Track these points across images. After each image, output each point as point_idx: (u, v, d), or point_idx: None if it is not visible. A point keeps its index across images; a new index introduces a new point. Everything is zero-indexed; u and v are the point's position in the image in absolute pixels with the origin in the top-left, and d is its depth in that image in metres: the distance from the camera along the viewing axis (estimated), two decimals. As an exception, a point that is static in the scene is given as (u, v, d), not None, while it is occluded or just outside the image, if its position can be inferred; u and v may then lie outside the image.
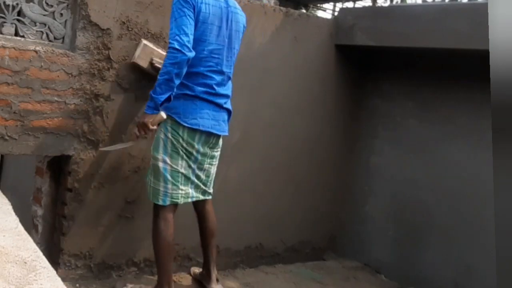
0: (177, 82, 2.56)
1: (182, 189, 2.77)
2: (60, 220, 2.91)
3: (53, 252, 2.92)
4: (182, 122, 2.68)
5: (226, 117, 2.88)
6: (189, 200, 2.84)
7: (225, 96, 2.83)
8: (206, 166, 2.88)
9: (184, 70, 2.56)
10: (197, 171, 2.84)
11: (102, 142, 2.90)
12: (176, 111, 2.69)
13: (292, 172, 3.79)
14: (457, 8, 3.32)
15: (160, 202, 2.74)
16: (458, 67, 3.55)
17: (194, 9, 2.57)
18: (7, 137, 2.61)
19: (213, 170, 2.96)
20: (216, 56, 2.71)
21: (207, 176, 2.92)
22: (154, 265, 3.14)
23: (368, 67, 4.08)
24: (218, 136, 2.87)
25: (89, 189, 2.91)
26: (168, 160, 2.72)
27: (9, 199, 2.24)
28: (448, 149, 3.58)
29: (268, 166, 3.66)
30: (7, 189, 2.72)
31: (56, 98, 2.71)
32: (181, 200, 2.79)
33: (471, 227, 3.40)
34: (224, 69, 2.77)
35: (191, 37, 2.54)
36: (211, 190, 2.98)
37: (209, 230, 3.03)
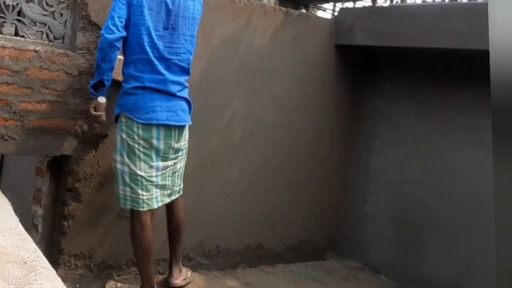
0: (105, 66, 2.55)
1: (143, 194, 2.65)
2: (60, 220, 2.91)
3: (53, 252, 2.92)
4: (134, 119, 2.60)
5: (184, 106, 2.74)
6: (155, 207, 2.70)
7: (177, 83, 2.69)
8: (171, 162, 2.74)
9: (111, 54, 2.53)
10: (162, 171, 2.71)
11: (102, 142, 2.90)
12: (128, 108, 2.62)
13: (292, 172, 3.79)
14: (457, 8, 3.32)
15: (121, 205, 2.69)
16: (458, 67, 3.55)
17: None
18: (7, 137, 2.61)
19: (180, 165, 2.83)
20: (158, 42, 2.60)
21: (174, 172, 2.79)
22: (155, 265, 3.15)
23: (368, 67, 4.08)
24: (181, 128, 2.73)
25: (89, 189, 2.91)
26: (126, 162, 2.63)
27: (9, 199, 2.24)
28: (448, 149, 3.58)
29: (268, 166, 3.66)
30: (7, 189, 2.72)
31: (56, 98, 2.71)
32: (143, 206, 2.65)
33: (471, 227, 3.40)
34: (169, 56, 2.65)
35: (118, 19, 2.51)
36: (178, 188, 2.86)
37: (173, 226, 2.93)
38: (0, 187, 3.84)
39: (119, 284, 2.96)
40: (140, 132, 2.62)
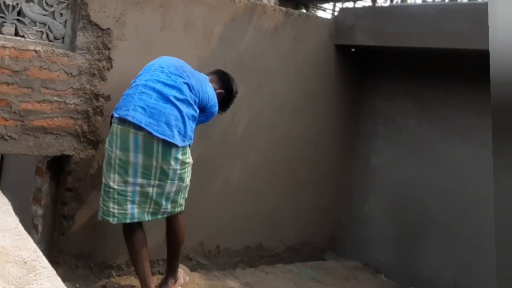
0: None
1: (113, 207, 2.55)
2: (60, 220, 2.91)
3: (53, 252, 2.92)
4: (115, 114, 2.53)
5: (171, 120, 2.51)
6: (128, 221, 2.58)
7: (177, 88, 2.59)
8: (154, 182, 2.55)
9: None
10: (141, 188, 2.55)
11: (102, 142, 2.90)
12: (116, 107, 2.59)
13: (292, 172, 3.79)
14: (457, 8, 3.32)
15: (98, 217, 2.64)
16: (458, 67, 3.55)
17: None
18: (7, 137, 2.61)
19: (170, 189, 2.60)
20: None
21: (160, 194, 2.59)
22: (155, 265, 3.15)
23: (368, 67, 4.08)
24: (166, 144, 2.50)
25: (89, 189, 2.91)
26: (104, 171, 2.59)
27: (9, 199, 2.24)
28: (448, 149, 3.57)
29: (268, 166, 3.66)
30: (7, 189, 2.72)
31: (56, 98, 2.71)
32: (112, 220, 2.55)
33: (471, 227, 3.40)
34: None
35: None
36: (170, 210, 2.67)
37: (171, 241, 2.86)
38: (0, 187, 3.84)
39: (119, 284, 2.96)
40: (118, 142, 2.51)
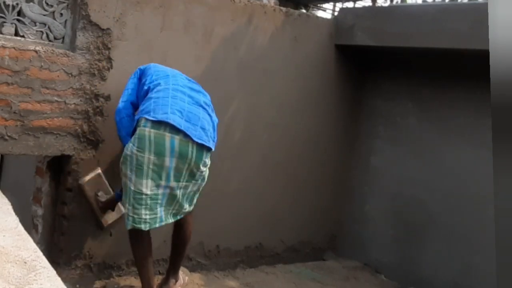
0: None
1: (146, 214, 2.53)
2: (60, 220, 2.91)
3: (53, 252, 2.92)
4: (148, 117, 2.47)
5: (206, 124, 2.57)
6: (157, 225, 2.58)
7: (202, 94, 2.69)
8: (182, 184, 2.57)
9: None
10: (171, 191, 2.56)
11: (102, 142, 2.90)
12: (147, 110, 2.51)
13: (292, 172, 3.79)
14: (457, 8, 3.32)
15: (127, 226, 2.60)
16: (458, 67, 3.55)
17: None
18: (7, 137, 2.61)
19: (193, 189, 2.65)
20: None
21: (183, 194, 2.62)
22: (155, 265, 3.15)
23: (368, 67, 4.08)
24: (200, 147, 2.52)
25: (89, 189, 2.91)
26: (133, 179, 2.50)
27: (9, 199, 2.24)
28: (448, 149, 3.58)
29: (268, 166, 3.66)
30: (7, 189, 2.72)
31: (56, 98, 2.71)
32: (144, 226, 2.53)
33: (471, 227, 3.40)
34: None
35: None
36: (187, 209, 2.70)
37: (179, 239, 2.86)
38: (0, 187, 3.84)
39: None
40: (152, 146, 2.46)
